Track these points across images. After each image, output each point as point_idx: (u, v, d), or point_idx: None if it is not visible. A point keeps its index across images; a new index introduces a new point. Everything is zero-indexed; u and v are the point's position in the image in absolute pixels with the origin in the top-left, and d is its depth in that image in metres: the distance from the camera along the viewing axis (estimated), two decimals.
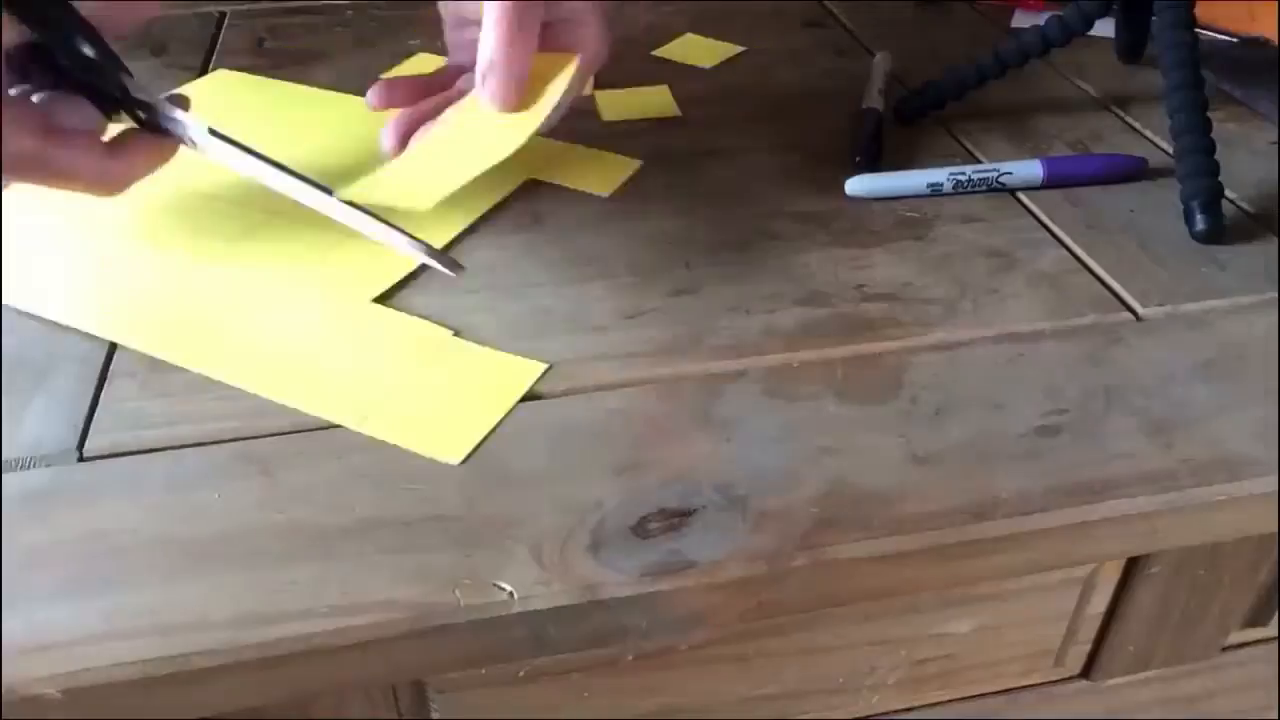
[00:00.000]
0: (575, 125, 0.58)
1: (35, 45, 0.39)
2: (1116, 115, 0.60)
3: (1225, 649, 0.47)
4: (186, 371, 0.40)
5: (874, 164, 0.53)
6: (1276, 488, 0.36)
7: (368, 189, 0.43)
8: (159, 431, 0.37)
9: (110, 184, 0.42)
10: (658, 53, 0.67)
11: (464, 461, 0.36)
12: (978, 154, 0.55)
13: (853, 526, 0.34)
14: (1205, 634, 0.45)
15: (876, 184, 0.51)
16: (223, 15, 0.71)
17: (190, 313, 0.42)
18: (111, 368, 0.40)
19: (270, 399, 0.38)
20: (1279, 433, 0.37)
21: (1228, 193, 0.49)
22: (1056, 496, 0.35)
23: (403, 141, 0.47)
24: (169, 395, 0.39)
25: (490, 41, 0.42)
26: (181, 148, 0.43)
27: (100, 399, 0.39)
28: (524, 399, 0.39)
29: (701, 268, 0.46)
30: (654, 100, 0.61)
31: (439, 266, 0.42)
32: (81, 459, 0.36)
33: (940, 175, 0.51)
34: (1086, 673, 0.46)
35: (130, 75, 0.41)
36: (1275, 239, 0.49)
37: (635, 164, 0.54)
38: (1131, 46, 0.65)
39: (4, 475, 0.35)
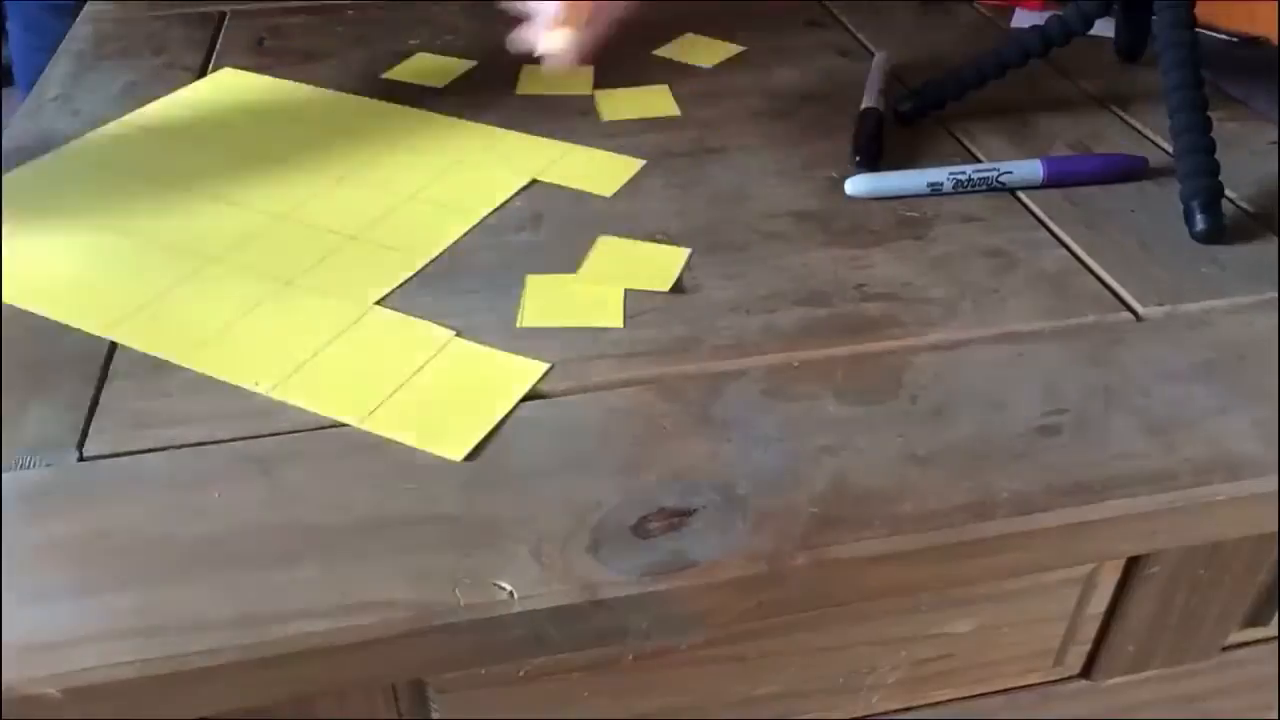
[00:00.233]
0: (575, 125, 0.58)
1: None
2: (1116, 115, 0.60)
3: (1225, 649, 0.47)
4: (186, 371, 0.40)
5: (874, 164, 0.53)
6: (1276, 488, 0.36)
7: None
8: (159, 431, 0.37)
9: None
10: (658, 53, 0.67)
11: (465, 459, 0.36)
12: (978, 153, 0.55)
13: (853, 526, 0.34)
14: (1205, 634, 0.45)
15: (876, 184, 0.51)
16: (223, 15, 0.71)
17: (193, 313, 0.42)
18: (111, 368, 0.40)
19: (274, 398, 0.38)
20: (1279, 433, 0.37)
21: (1228, 192, 0.49)
22: (1056, 496, 0.35)
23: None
24: (169, 395, 0.39)
25: None
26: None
27: (100, 399, 0.39)
28: (525, 398, 0.39)
29: (701, 268, 0.46)
30: (654, 100, 0.61)
31: None
32: (81, 459, 0.36)
33: (940, 175, 0.51)
34: (1086, 672, 0.46)
35: None
36: (1275, 238, 0.49)
37: (638, 163, 0.54)
38: (1131, 46, 0.65)
39: (4, 475, 0.35)
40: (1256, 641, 0.47)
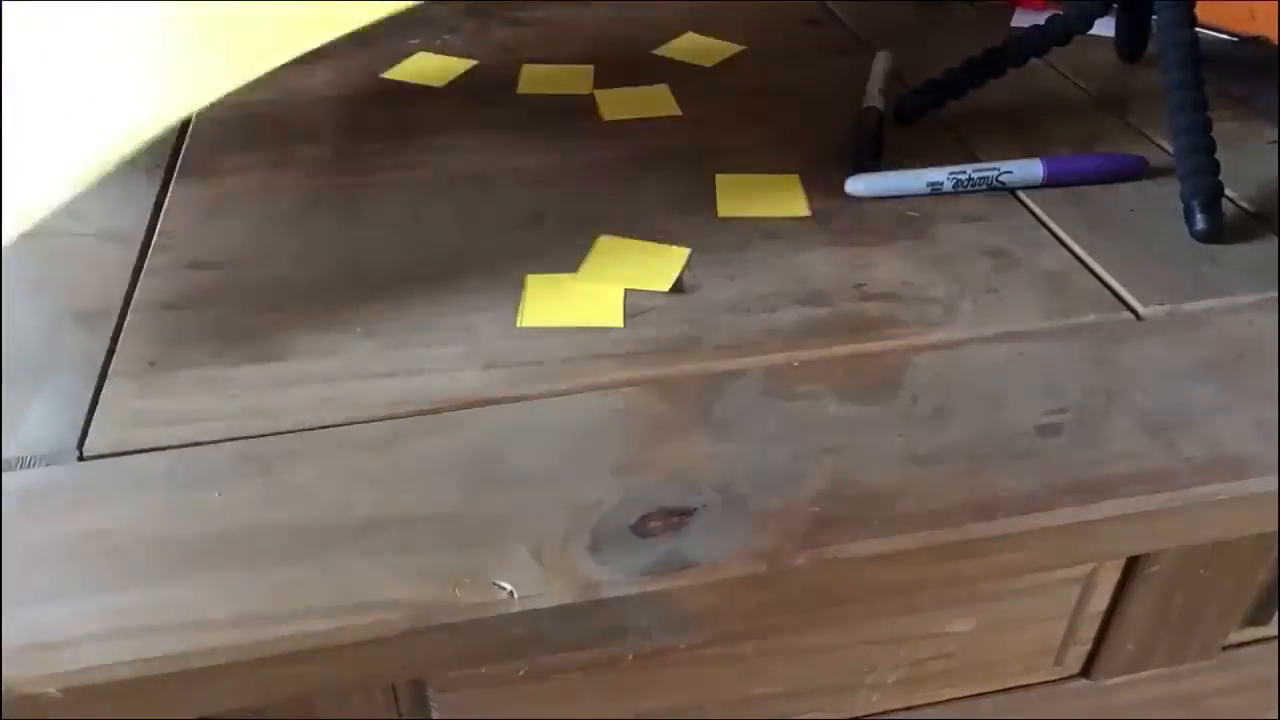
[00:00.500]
0: (575, 124, 0.58)
1: None
2: (1116, 114, 0.60)
3: (1225, 648, 0.47)
4: (186, 371, 0.40)
5: (874, 163, 0.53)
6: (1276, 487, 0.36)
7: None
8: (159, 431, 0.37)
9: None
10: (658, 52, 0.67)
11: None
12: (978, 153, 0.55)
13: (853, 526, 0.34)
14: (1205, 633, 0.45)
15: (876, 183, 0.51)
16: None
17: None
18: (111, 367, 0.40)
19: (275, 395, 0.38)
20: (1279, 432, 0.37)
21: (1228, 192, 0.49)
22: (1056, 496, 0.35)
23: None
24: (169, 395, 0.39)
25: None
26: None
27: (100, 398, 0.39)
28: (525, 398, 0.39)
29: (701, 267, 0.46)
30: (654, 99, 0.61)
31: None
32: (81, 459, 0.36)
33: (940, 174, 0.51)
34: (1086, 672, 0.46)
35: None
36: (1275, 238, 0.49)
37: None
38: (1132, 46, 0.65)
39: (4, 475, 0.35)
40: (1257, 641, 0.47)
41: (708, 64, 0.65)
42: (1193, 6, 0.50)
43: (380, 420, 0.38)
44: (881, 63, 0.62)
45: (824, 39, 0.69)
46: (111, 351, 0.41)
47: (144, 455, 0.36)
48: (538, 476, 0.35)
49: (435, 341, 0.42)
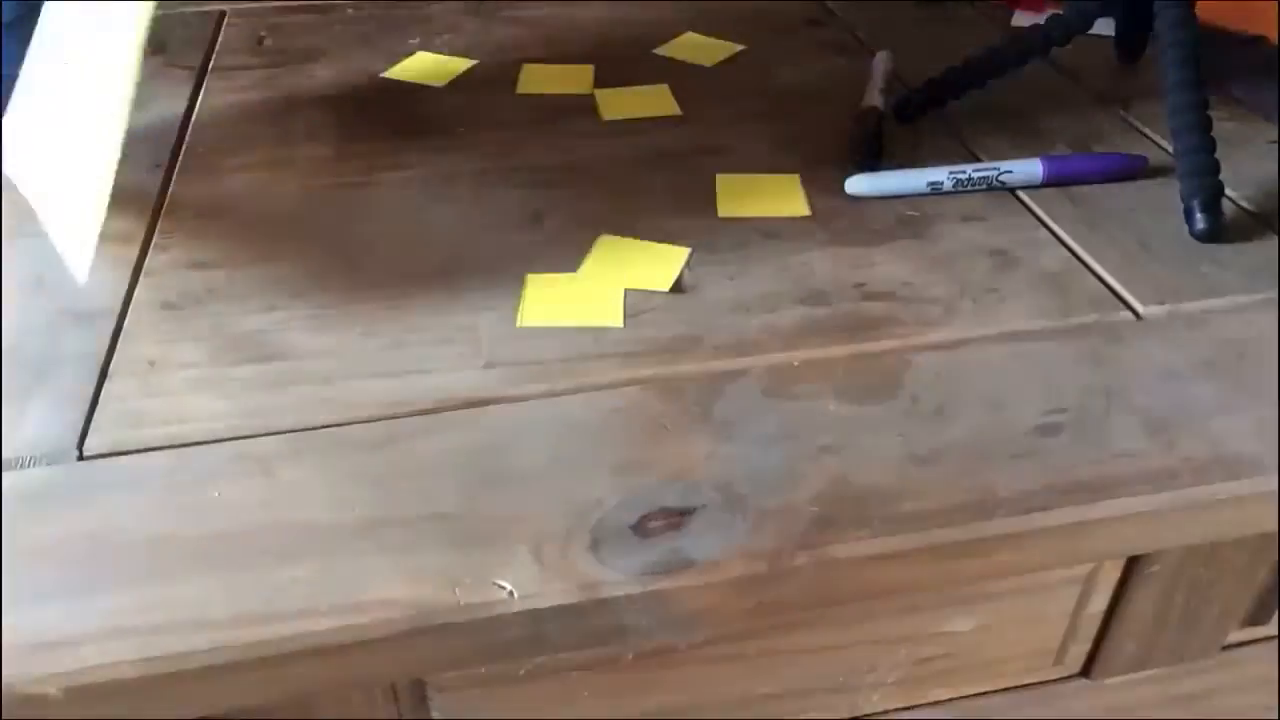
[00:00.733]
0: (575, 124, 0.58)
1: None
2: (1116, 114, 0.60)
3: (1225, 648, 0.47)
4: (186, 371, 0.40)
5: (874, 163, 0.53)
6: (1276, 487, 0.36)
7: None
8: (159, 431, 0.37)
9: None
10: (658, 51, 0.67)
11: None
12: (978, 153, 0.55)
13: (853, 525, 0.34)
14: (1205, 633, 0.45)
15: (877, 183, 0.51)
16: (222, 14, 0.71)
17: None
18: (111, 366, 0.40)
19: (275, 392, 0.38)
20: (1279, 432, 0.37)
21: (1228, 191, 0.49)
22: (1057, 495, 0.35)
23: None
24: (169, 394, 0.39)
25: None
26: None
27: (100, 398, 0.39)
28: (525, 398, 0.39)
29: (701, 267, 0.46)
30: (654, 99, 0.61)
31: None
32: (81, 458, 0.36)
33: (940, 174, 0.51)
34: (1086, 671, 0.46)
35: None
36: (1275, 238, 0.49)
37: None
38: (1132, 45, 0.65)
39: (4, 475, 0.35)
40: (1257, 640, 0.47)
41: (708, 64, 0.65)
42: (1193, 6, 0.50)
43: (380, 420, 0.38)
44: (881, 63, 0.62)
45: (824, 39, 0.69)
46: (111, 351, 0.41)
47: (144, 455, 0.36)
48: (538, 476, 0.35)
49: (435, 341, 0.42)
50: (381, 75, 0.63)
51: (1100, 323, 0.43)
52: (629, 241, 0.48)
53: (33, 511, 0.34)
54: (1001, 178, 0.51)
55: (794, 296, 0.44)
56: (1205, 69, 0.49)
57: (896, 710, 0.44)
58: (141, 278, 0.45)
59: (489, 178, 0.53)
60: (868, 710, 0.44)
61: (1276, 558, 0.43)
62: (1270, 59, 0.64)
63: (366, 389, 0.39)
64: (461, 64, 0.65)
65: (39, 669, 0.29)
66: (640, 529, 0.33)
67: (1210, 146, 0.48)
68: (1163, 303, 0.44)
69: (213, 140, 0.57)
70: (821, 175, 0.53)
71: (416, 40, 0.67)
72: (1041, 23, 0.57)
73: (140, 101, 0.59)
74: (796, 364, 0.41)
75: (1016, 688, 0.45)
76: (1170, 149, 0.51)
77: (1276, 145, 0.56)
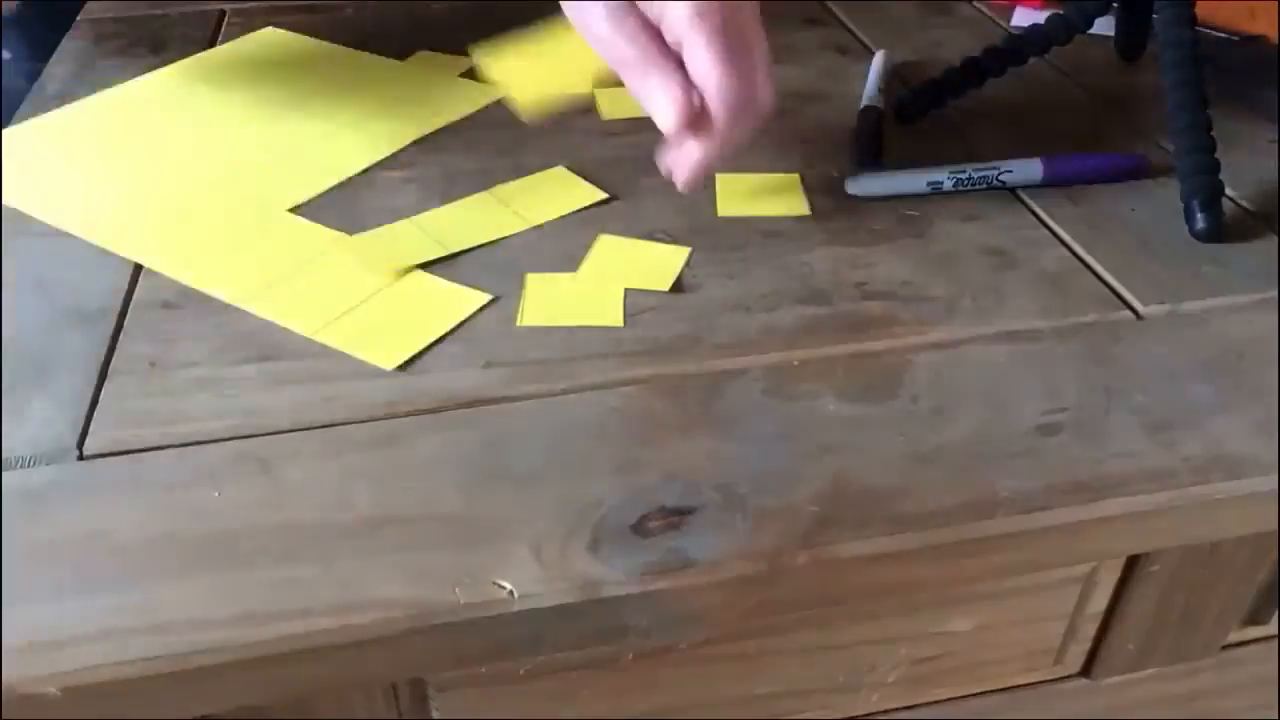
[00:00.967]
0: (576, 124, 0.58)
1: None
2: (1116, 114, 0.60)
3: (1225, 647, 0.47)
4: (186, 371, 0.40)
5: (874, 162, 0.53)
6: (1276, 487, 0.36)
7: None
8: (159, 430, 0.37)
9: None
10: None
11: (398, 369, 0.39)
12: (978, 152, 0.55)
13: (853, 525, 0.34)
14: (1205, 632, 0.45)
15: (877, 183, 0.51)
16: (222, 14, 0.71)
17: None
18: (111, 367, 0.40)
19: (271, 385, 0.38)
20: (1279, 432, 0.37)
21: (1228, 191, 0.49)
22: (1056, 495, 0.35)
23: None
24: (169, 394, 0.39)
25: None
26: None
27: (100, 397, 0.39)
28: (525, 397, 0.39)
29: (701, 266, 0.46)
30: None
31: None
32: (81, 458, 0.36)
33: (940, 174, 0.51)
34: (1086, 671, 0.46)
35: None
36: (1276, 237, 0.49)
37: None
38: (1132, 45, 0.65)
39: (4, 474, 0.35)
40: (1256, 640, 0.47)
41: None
42: (1193, 6, 0.50)
43: (380, 419, 0.38)
44: (881, 62, 0.62)
45: (824, 39, 0.69)
46: (111, 351, 0.41)
47: (144, 455, 0.36)
48: (538, 476, 0.35)
49: (434, 340, 0.42)
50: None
51: (1100, 322, 0.43)
52: (629, 241, 0.48)
53: (33, 511, 0.34)
54: (1001, 177, 0.51)
55: (794, 296, 0.44)
56: (1205, 69, 0.49)
57: (896, 710, 0.44)
58: (141, 278, 0.45)
59: (489, 177, 0.53)
60: (867, 710, 0.44)
61: (1276, 558, 0.43)
62: (1270, 59, 0.64)
63: (366, 389, 0.39)
64: (462, 63, 0.64)
65: (39, 669, 0.29)
66: (640, 529, 0.33)
67: (1210, 146, 0.48)
68: (1163, 302, 0.44)
69: None
70: (821, 175, 0.53)
71: (416, 39, 0.67)
72: (1041, 22, 0.57)
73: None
74: (796, 363, 0.41)
75: (1016, 687, 0.45)
76: (1170, 149, 0.51)
77: (1276, 145, 0.56)
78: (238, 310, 0.43)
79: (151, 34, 0.68)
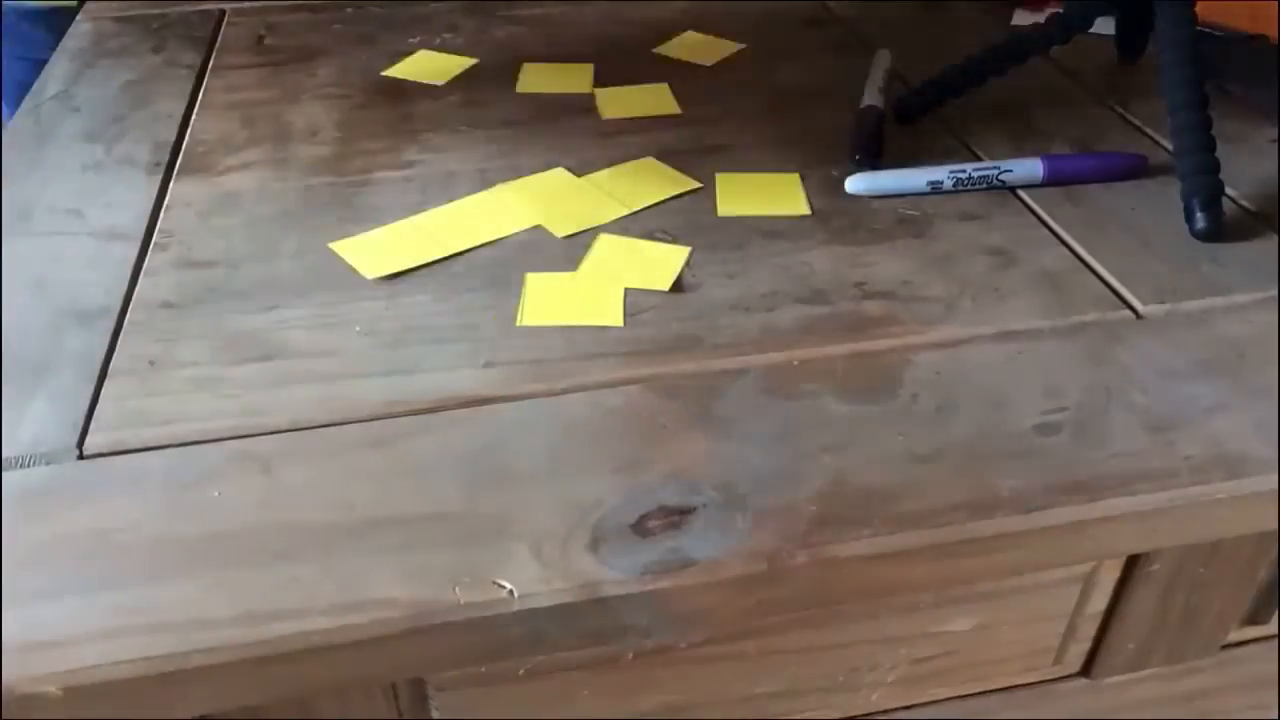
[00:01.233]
0: (575, 123, 0.58)
1: None
2: (1117, 113, 0.59)
3: (1225, 647, 0.47)
4: (186, 371, 0.40)
5: (874, 162, 0.53)
6: (1276, 486, 0.36)
7: None
8: (159, 430, 0.37)
9: None
10: (658, 50, 0.67)
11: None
12: (978, 152, 0.55)
13: (853, 525, 0.34)
14: (1205, 632, 0.45)
15: (876, 182, 0.51)
16: (222, 13, 0.71)
17: None
18: (111, 367, 0.40)
19: (275, 391, 0.38)
20: (1279, 431, 0.37)
21: (1228, 190, 0.49)
22: (1056, 494, 0.35)
23: None
24: (169, 393, 0.39)
25: None
26: None
27: (100, 397, 0.39)
28: (525, 397, 0.39)
29: (701, 266, 0.46)
30: (654, 98, 0.61)
31: None
32: (81, 457, 0.36)
33: (940, 173, 0.51)
34: (1086, 671, 0.46)
35: None
36: (1276, 236, 0.49)
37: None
38: (1132, 44, 0.65)
39: (4, 473, 0.35)
40: (1256, 640, 0.47)
41: (708, 63, 0.65)
42: (1193, 5, 0.50)
43: (379, 419, 0.38)
44: (881, 62, 0.62)
45: (824, 39, 0.69)
46: (111, 351, 0.41)
47: (144, 454, 0.36)
48: (538, 475, 0.35)
49: (435, 340, 0.42)
50: (382, 74, 0.63)
51: (1100, 322, 0.43)
52: (629, 241, 0.48)
53: (33, 511, 0.34)
54: (1001, 177, 0.51)
55: (794, 296, 0.44)
56: (1205, 69, 0.49)
57: (896, 710, 0.44)
58: (141, 277, 0.45)
59: (489, 177, 0.53)
60: (867, 710, 0.44)
61: (1276, 557, 0.43)
62: (1270, 59, 0.64)
63: (366, 389, 0.39)
64: (462, 63, 0.65)
65: (39, 669, 0.29)
66: (640, 528, 0.33)
67: (1210, 146, 0.48)
68: (1163, 302, 0.44)
69: (213, 140, 0.57)
70: (821, 175, 0.53)
71: (417, 39, 0.67)
72: (1042, 21, 0.57)
73: (140, 100, 0.59)
74: (796, 363, 0.41)
75: (1016, 687, 0.45)
76: (1170, 148, 0.51)
77: (1276, 145, 0.56)
78: (238, 310, 0.43)
79: (152, 33, 0.68)
